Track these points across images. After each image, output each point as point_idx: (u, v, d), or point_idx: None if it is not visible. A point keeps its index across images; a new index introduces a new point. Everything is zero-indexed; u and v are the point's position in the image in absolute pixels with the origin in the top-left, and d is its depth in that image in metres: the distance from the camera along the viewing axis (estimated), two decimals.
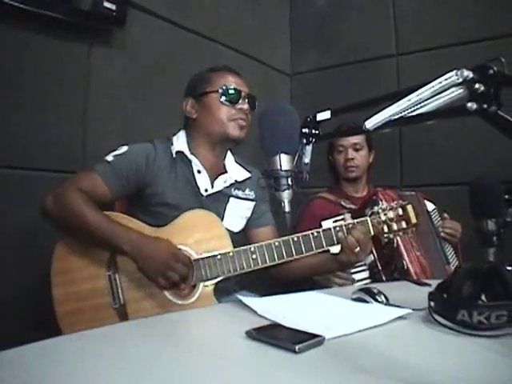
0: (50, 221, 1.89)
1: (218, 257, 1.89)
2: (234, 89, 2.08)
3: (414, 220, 1.99)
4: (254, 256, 1.90)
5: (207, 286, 1.89)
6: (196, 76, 2.20)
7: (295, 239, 1.93)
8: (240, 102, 2.07)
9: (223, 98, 2.06)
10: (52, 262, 1.88)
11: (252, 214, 2.24)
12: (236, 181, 2.18)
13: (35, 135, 2.29)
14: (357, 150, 2.89)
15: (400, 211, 1.99)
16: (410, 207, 1.99)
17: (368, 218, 1.98)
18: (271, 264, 1.92)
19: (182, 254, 1.83)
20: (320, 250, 1.96)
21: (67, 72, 2.45)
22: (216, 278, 1.89)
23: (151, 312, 1.82)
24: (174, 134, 2.16)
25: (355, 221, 1.98)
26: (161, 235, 1.88)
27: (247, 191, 2.22)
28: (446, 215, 2.58)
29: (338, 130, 1.83)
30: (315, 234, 1.94)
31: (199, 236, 1.93)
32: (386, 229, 1.98)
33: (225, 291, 2.04)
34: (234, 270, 1.89)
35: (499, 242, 1.52)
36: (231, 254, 1.90)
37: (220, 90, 2.06)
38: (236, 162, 2.26)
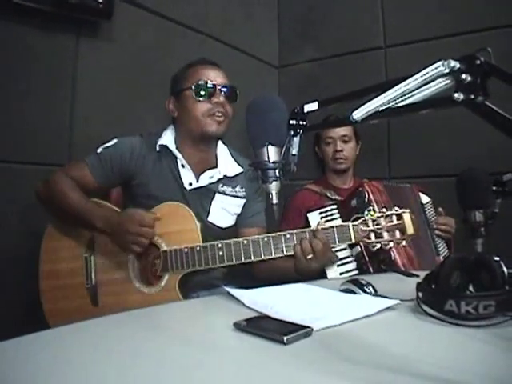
0: (40, 202, 2.06)
1: (185, 250, 1.90)
2: (208, 82, 2.07)
3: (410, 230, 1.80)
4: (220, 253, 1.88)
5: (172, 277, 1.91)
6: (176, 73, 2.21)
7: (265, 239, 1.87)
8: (215, 95, 2.07)
9: (197, 94, 2.06)
10: (43, 240, 2.04)
11: (242, 211, 2.25)
12: (225, 176, 2.17)
13: (21, 128, 2.27)
14: (345, 142, 2.90)
15: (395, 219, 1.81)
16: (407, 216, 1.81)
17: (350, 224, 1.86)
18: (237, 263, 1.90)
19: (145, 217, 1.87)
20: (291, 253, 1.87)
21: (54, 65, 2.43)
22: (182, 270, 1.90)
23: (119, 296, 1.94)
24: (165, 129, 2.19)
25: (335, 225, 1.88)
26: None
27: (238, 188, 2.21)
28: (440, 210, 2.57)
29: (325, 120, 1.82)
30: (287, 235, 1.87)
31: (171, 228, 1.95)
32: (373, 237, 1.82)
33: (208, 284, 2.06)
34: (200, 264, 1.89)
35: (487, 233, 1.52)
36: (198, 248, 1.90)
37: (193, 87, 2.06)
38: (231, 154, 2.26)
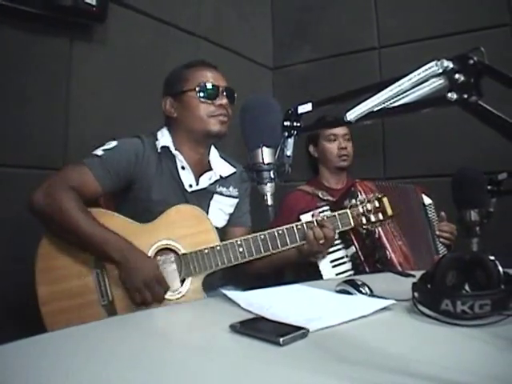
0: (39, 218, 1.85)
1: (206, 251, 1.91)
2: (212, 84, 2.08)
3: (389, 212, 2.09)
4: (240, 249, 1.92)
5: (196, 280, 1.91)
6: (172, 74, 2.20)
7: (280, 232, 1.97)
8: (218, 97, 2.08)
9: (201, 96, 2.07)
10: (36, 259, 1.83)
11: (234, 211, 2.27)
12: (221, 176, 2.19)
13: (16, 132, 2.27)
14: (348, 140, 2.90)
15: (377, 203, 2.09)
16: (385, 199, 2.10)
17: (348, 211, 2.07)
18: (257, 256, 1.95)
19: (163, 279, 1.83)
20: (303, 242, 2.02)
21: (48, 68, 2.42)
22: (204, 271, 1.91)
23: (139, 307, 1.82)
24: (158, 130, 2.17)
25: (336, 213, 2.06)
26: (147, 231, 1.91)
27: (231, 188, 2.23)
28: (443, 214, 2.57)
29: (319, 121, 1.81)
30: (299, 226, 2.00)
31: (186, 230, 1.94)
32: (364, 220, 2.07)
33: (209, 286, 2.05)
34: (222, 263, 1.91)
35: (482, 232, 1.53)
36: (219, 247, 1.92)
37: (197, 88, 2.07)
38: (221, 157, 2.27)
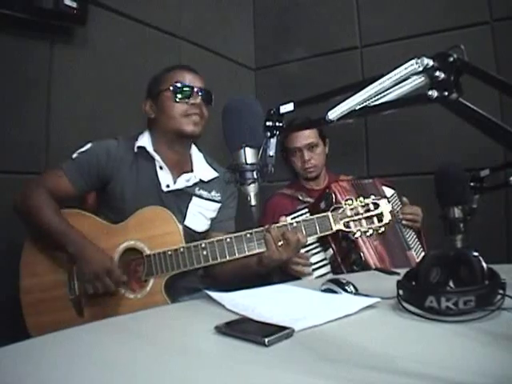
0: (17, 215, 2.01)
1: (169, 253, 1.92)
2: (186, 85, 2.10)
3: (388, 217, 1.88)
4: (204, 252, 1.91)
5: (158, 281, 1.93)
6: (153, 78, 2.22)
7: (248, 235, 1.92)
8: (192, 96, 2.09)
9: (175, 95, 2.08)
10: (22, 254, 1.98)
11: (216, 215, 2.26)
12: (201, 180, 2.19)
13: None
14: (312, 150, 2.83)
15: (372, 207, 1.89)
16: (383, 204, 1.90)
17: (329, 214, 1.92)
18: (222, 261, 1.92)
19: (115, 272, 1.87)
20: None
21: (29, 72, 2.41)
22: (166, 273, 1.92)
23: (103, 304, 1.92)
24: (141, 133, 2.19)
25: (315, 216, 1.94)
26: (116, 231, 1.98)
27: (213, 192, 2.23)
28: (405, 199, 2.55)
29: (289, 125, 1.74)
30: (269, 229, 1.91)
31: (153, 232, 1.97)
32: (352, 226, 1.89)
33: (188, 289, 2.05)
34: (184, 265, 1.92)
35: (466, 229, 1.53)
36: (182, 250, 1.92)
37: (171, 88, 2.09)
38: (206, 161, 2.28)
